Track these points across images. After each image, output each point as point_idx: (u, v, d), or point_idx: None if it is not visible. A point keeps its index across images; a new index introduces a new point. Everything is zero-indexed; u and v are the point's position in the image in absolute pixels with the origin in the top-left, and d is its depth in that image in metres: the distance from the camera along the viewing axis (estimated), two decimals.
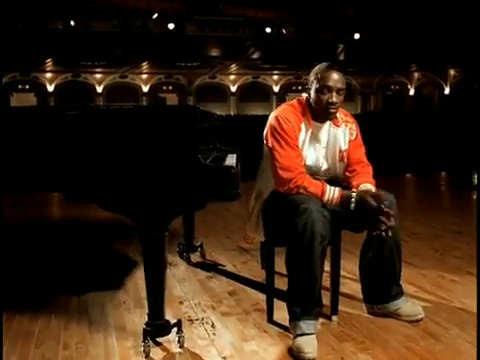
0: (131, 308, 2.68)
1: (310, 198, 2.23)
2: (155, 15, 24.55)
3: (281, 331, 2.36)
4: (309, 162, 2.41)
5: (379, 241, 2.37)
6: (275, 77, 28.87)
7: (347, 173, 2.48)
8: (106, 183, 2.14)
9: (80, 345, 2.27)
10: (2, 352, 2.01)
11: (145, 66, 26.07)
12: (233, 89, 28.28)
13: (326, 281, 2.51)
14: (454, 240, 3.91)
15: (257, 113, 20.77)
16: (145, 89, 26.82)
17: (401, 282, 2.51)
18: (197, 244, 3.57)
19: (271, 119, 2.41)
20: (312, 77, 2.37)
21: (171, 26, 24.74)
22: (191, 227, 3.55)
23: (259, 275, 3.03)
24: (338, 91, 2.31)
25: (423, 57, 25.98)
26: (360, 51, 25.94)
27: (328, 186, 2.28)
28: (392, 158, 8.31)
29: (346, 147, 2.46)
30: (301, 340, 2.15)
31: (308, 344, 2.13)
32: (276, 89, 28.88)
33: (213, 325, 2.45)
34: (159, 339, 2.24)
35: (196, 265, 3.40)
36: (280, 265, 2.61)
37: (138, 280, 3.05)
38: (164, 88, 27.58)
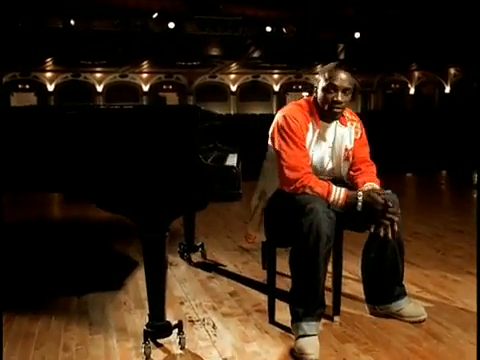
0: (132, 309, 2.66)
1: (316, 198, 2.22)
2: (155, 14, 24.52)
3: (283, 332, 2.35)
4: (314, 161, 2.40)
5: (381, 241, 2.36)
6: (275, 76, 28.83)
7: (351, 172, 2.48)
8: (106, 183, 2.12)
9: (80, 346, 2.26)
10: (2, 354, 2.00)
11: (145, 65, 26.04)
12: (233, 88, 28.25)
13: (328, 281, 2.48)
14: (456, 240, 3.89)
15: (257, 112, 20.72)
16: (145, 88, 26.79)
17: (404, 282, 2.50)
18: (198, 244, 3.56)
19: (278, 118, 2.39)
20: (320, 76, 2.38)
21: (171, 25, 24.69)
22: (192, 227, 3.54)
23: (260, 275, 3.01)
24: (344, 90, 2.31)
25: (423, 56, 25.94)
26: (360, 50, 25.89)
27: (334, 186, 2.27)
28: (392, 157, 8.29)
29: (351, 146, 2.46)
30: (303, 341, 2.14)
31: (310, 345, 2.12)
32: (276, 88, 28.85)
33: (214, 326, 2.44)
34: (160, 340, 2.23)
35: (197, 265, 3.39)
36: (281, 265, 2.60)
37: (139, 280, 3.03)
38: (164, 87, 27.54)
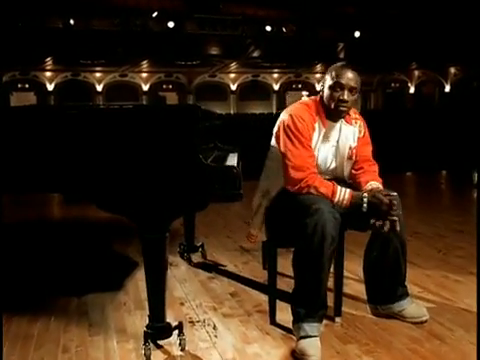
0: (132, 310, 2.65)
1: (321, 199, 2.21)
2: (155, 14, 24.48)
3: (284, 333, 2.34)
4: (318, 161, 2.40)
5: (384, 240, 2.35)
6: (275, 75, 28.82)
7: (353, 171, 2.47)
8: (106, 183, 2.11)
9: (80, 348, 2.24)
10: (2, 355, 1.98)
11: (145, 65, 26.02)
12: (233, 88, 28.24)
13: (329, 282, 2.47)
14: (457, 239, 3.88)
15: (257, 112, 20.71)
16: (145, 88, 26.78)
17: (406, 283, 2.48)
18: (198, 244, 3.54)
19: (285, 117, 2.38)
20: (327, 75, 2.38)
21: (171, 25, 24.65)
22: (192, 227, 3.52)
23: (261, 276, 3.00)
24: (351, 89, 2.31)
25: (423, 55, 25.93)
26: (360, 49, 25.86)
27: (339, 187, 2.26)
28: (392, 156, 8.27)
29: (355, 144, 2.46)
30: (304, 342, 2.12)
31: (311, 347, 2.10)
32: (276, 87, 28.83)
33: (215, 327, 2.43)
34: (160, 342, 2.21)
35: (197, 266, 3.38)
36: (282, 265, 2.59)
37: (138, 281, 3.02)
38: (164, 87, 27.52)
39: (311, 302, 2.20)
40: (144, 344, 2.10)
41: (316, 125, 2.36)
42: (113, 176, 2.10)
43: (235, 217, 4.70)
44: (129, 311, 2.63)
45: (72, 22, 23.25)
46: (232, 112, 25.39)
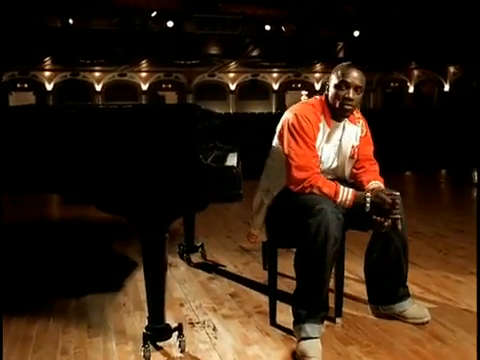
0: (131, 311, 2.63)
1: (324, 199, 2.20)
2: (154, 13, 24.45)
3: (284, 334, 2.32)
4: (321, 160, 2.38)
5: (385, 240, 2.35)
6: (274, 75, 28.78)
7: (354, 170, 2.47)
8: (105, 184, 2.09)
9: (79, 350, 2.22)
10: (1, 356, 1.97)
11: (144, 64, 25.99)
12: (232, 87, 28.21)
13: (330, 282, 2.46)
14: (457, 239, 3.87)
15: (256, 111, 20.69)
16: (144, 87, 26.75)
17: (407, 283, 2.47)
18: (198, 244, 3.53)
19: (289, 117, 2.36)
20: (332, 74, 2.37)
21: (170, 24, 24.61)
22: (191, 227, 3.51)
23: (261, 276, 2.98)
24: (356, 88, 2.31)
25: (423, 54, 25.90)
26: (359, 48, 25.84)
27: (342, 187, 2.25)
28: (392, 156, 8.25)
29: (357, 143, 2.45)
30: (305, 344, 2.11)
31: (312, 348, 2.09)
32: (275, 87, 28.80)
33: (215, 328, 2.41)
34: (160, 343, 2.20)
35: (197, 266, 3.36)
36: (282, 266, 2.57)
37: (138, 282, 3.00)
38: (163, 86, 27.49)
39: (313, 303, 2.19)
40: (143, 346, 2.09)
41: (321, 125, 2.35)
42: (112, 176, 2.08)
43: (235, 217, 4.68)
44: (128, 312, 2.62)
45: (71, 22, 23.20)
46: (231, 111, 25.36)
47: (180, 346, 2.17)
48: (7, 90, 23.11)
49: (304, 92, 27.83)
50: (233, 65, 27.41)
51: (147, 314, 2.18)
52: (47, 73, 25.05)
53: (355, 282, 2.90)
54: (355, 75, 2.30)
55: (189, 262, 3.41)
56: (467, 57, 23.41)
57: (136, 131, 2.10)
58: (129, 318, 2.54)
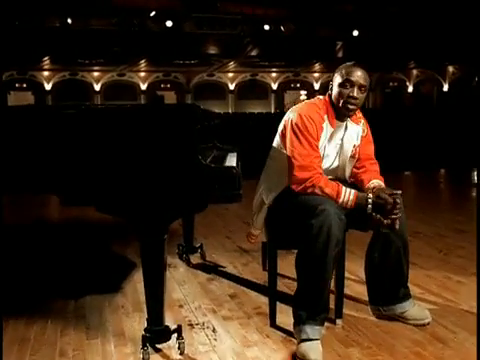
0: (130, 312, 2.61)
1: (326, 199, 2.18)
2: (153, 13, 24.43)
3: (284, 336, 2.30)
4: (324, 160, 2.37)
5: (385, 241, 2.33)
6: (273, 74, 28.77)
7: (355, 169, 2.46)
8: (104, 185, 2.07)
9: (77, 352, 2.20)
10: (2, 357, 1.95)
11: (143, 64, 25.97)
12: (231, 87, 28.20)
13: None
14: (458, 239, 3.85)
15: (255, 111, 20.68)
16: (143, 87, 26.73)
17: (408, 284, 2.45)
18: (197, 245, 3.51)
19: (292, 116, 2.34)
20: (336, 73, 2.36)
21: (169, 24, 24.60)
22: (191, 228, 3.49)
23: (261, 277, 2.97)
24: (360, 87, 2.29)
25: (422, 54, 25.92)
26: (359, 48, 25.83)
27: (344, 187, 2.23)
28: (391, 156, 8.24)
29: (359, 143, 2.44)
30: (306, 345, 2.09)
31: (313, 350, 2.07)
32: (274, 87, 28.79)
33: (214, 330, 2.39)
34: (159, 345, 2.18)
35: (196, 267, 3.34)
36: (282, 267, 2.55)
37: (137, 283, 2.98)
38: (162, 86, 27.47)
39: (314, 304, 2.17)
40: (142, 348, 2.07)
41: (324, 125, 2.33)
42: (112, 177, 2.06)
43: (234, 218, 4.67)
44: (127, 314, 2.59)
45: (70, 21, 23.19)
46: (230, 111, 25.35)
47: (179, 348, 2.15)
48: (6, 90, 23.08)
49: (303, 92, 27.84)
50: (232, 65, 27.40)
51: (146, 316, 2.16)
52: (46, 73, 25.03)
53: (355, 283, 2.89)
54: (359, 74, 2.29)
55: (188, 263, 3.39)
56: (466, 56, 23.41)
57: (135, 131, 2.08)
58: (128, 320, 2.52)
